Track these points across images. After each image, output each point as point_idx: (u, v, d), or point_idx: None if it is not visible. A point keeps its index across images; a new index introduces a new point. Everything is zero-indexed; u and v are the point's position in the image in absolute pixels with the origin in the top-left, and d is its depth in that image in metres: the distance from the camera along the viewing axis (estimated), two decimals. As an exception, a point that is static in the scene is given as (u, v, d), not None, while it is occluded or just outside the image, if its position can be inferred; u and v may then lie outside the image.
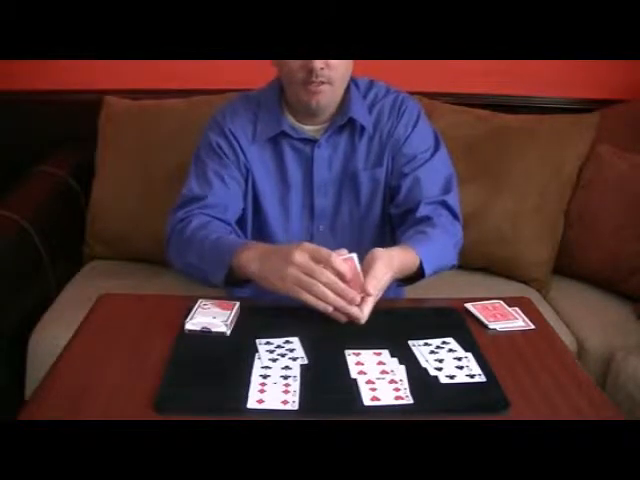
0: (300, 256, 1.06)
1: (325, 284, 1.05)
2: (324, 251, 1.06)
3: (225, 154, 1.35)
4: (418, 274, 1.22)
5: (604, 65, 1.98)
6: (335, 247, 1.10)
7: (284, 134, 1.35)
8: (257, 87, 1.82)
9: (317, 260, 1.06)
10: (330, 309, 1.07)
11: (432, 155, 1.37)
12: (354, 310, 1.07)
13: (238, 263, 1.15)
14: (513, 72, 2.06)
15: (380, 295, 1.11)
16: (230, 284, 1.20)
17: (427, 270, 1.21)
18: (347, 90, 1.36)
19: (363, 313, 1.07)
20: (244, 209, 1.39)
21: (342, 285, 1.06)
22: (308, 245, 1.08)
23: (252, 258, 1.13)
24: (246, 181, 1.37)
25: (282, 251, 1.10)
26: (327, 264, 1.06)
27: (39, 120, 2.10)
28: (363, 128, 1.36)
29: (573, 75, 2.10)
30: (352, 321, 1.08)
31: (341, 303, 1.06)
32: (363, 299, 1.07)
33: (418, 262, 1.20)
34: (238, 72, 1.89)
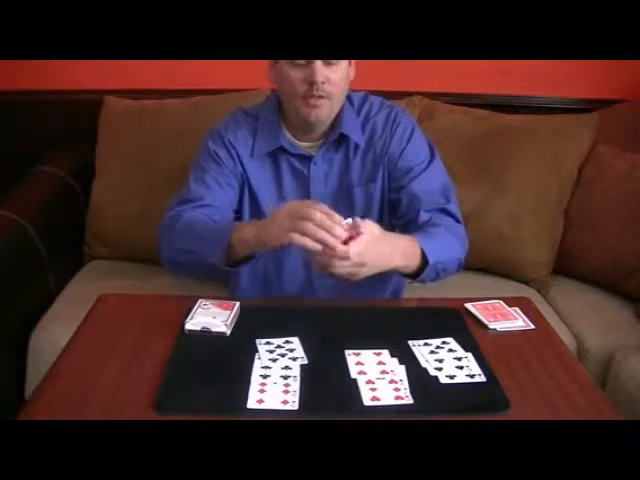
0: (291, 205, 1.12)
1: (315, 222, 1.07)
2: (312, 202, 1.11)
3: (223, 162, 1.36)
4: (423, 267, 1.23)
5: (604, 65, 1.98)
6: None
7: (282, 149, 1.37)
8: (257, 87, 1.84)
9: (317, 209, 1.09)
10: (319, 247, 1.07)
11: (428, 165, 1.38)
12: (341, 248, 1.08)
13: (239, 237, 1.17)
14: (513, 72, 2.06)
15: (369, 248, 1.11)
16: (228, 264, 1.21)
17: (430, 258, 1.21)
18: (340, 107, 1.36)
19: (351, 249, 1.08)
20: (240, 218, 1.40)
21: (329, 222, 1.07)
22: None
23: (251, 229, 1.17)
24: (242, 191, 1.39)
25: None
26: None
27: (39, 120, 2.09)
28: (357, 145, 1.38)
29: (573, 75, 2.10)
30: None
31: (329, 239, 1.07)
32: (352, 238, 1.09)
33: (419, 249, 1.21)
34: (238, 72, 1.89)
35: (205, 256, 1.21)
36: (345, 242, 1.08)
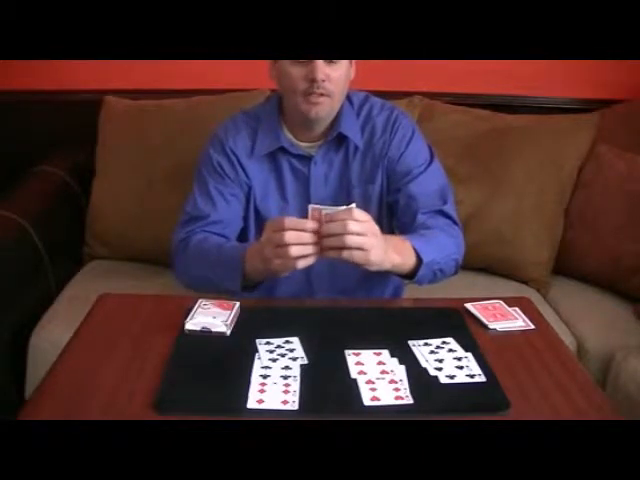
0: (265, 236, 1.11)
1: (289, 242, 1.06)
2: (280, 219, 1.09)
3: (226, 173, 1.37)
4: (418, 267, 1.23)
5: (604, 65, 1.97)
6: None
7: (282, 150, 1.37)
8: (257, 87, 1.84)
9: (277, 229, 1.08)
10: (298, 264, 1.08)
11: (426, 168, 1.38)
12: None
13: (251, 266, 1.20)
14: (513, 72, 2.06)
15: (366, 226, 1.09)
16: (245, 288, 1.24)
17: (424, 257, 1.21)
18: (340, 106, 1.36)
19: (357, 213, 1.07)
20: (246, 223, 1.41)
21: (303, 235, 1.06)
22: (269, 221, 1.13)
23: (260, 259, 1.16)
24: (247, 198, 1.39)
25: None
26: (289, 228, 1.07)
27: (39, 120, 2.09)
28: (356, 145, 1.38)
29: (573, 75, 2.10)
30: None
31: (309, 250, 1.07)
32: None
33: (411, 248, 1.21)
34: (238, 72, 1.89)
35: (221, 284, 1.24)
36: None
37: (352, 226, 1.05)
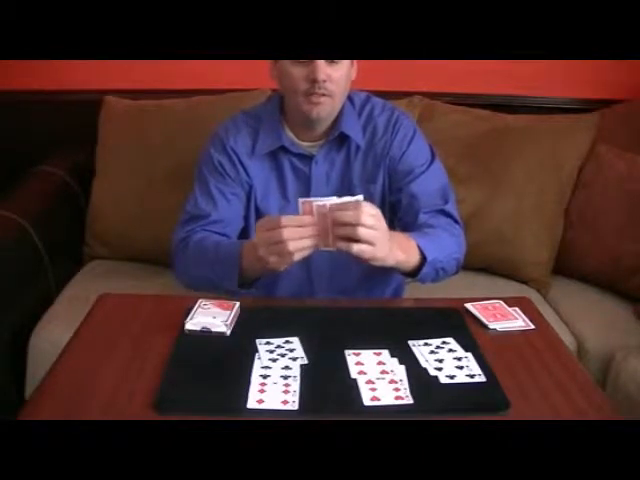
0: (258, 237, 1.11)
1: (287, 239, 1.06)
2: (274, 218, 1.10)
3: (227, 172, 1.37)
4: (421, 265, 1.23)
5: (604, 65, 1.97)
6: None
7: (283, 149, 1.37)
8: (257, 87, 1.84)
9: (272, 227, 1.08)
10: (304, 253, 1.08)
11: (427, 168, 1.39)
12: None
13: (248, 264, 1.19)
14: (513, 72, 2.06)
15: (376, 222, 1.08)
16: (243, 285, 1.23)
17: (428, 255, 1.21)
18: (341, 106, 1.36)
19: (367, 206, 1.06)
20: (247, 222, 1.41)
21: (301, 230, 1.07)
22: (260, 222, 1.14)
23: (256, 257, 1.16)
24: (248, 197, 1.39)
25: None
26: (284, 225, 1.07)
27: (39, 120, 2.09)
28: (358, 145, 1.38)
29: (573, 75, 2.10)
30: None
31: (307, 243, 1.07)
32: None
33: (415, 245, 1.21)
34: (238, 72, 1.89)
35: (220, 283, 1.24)
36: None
37: (365, 218, 1.05)
